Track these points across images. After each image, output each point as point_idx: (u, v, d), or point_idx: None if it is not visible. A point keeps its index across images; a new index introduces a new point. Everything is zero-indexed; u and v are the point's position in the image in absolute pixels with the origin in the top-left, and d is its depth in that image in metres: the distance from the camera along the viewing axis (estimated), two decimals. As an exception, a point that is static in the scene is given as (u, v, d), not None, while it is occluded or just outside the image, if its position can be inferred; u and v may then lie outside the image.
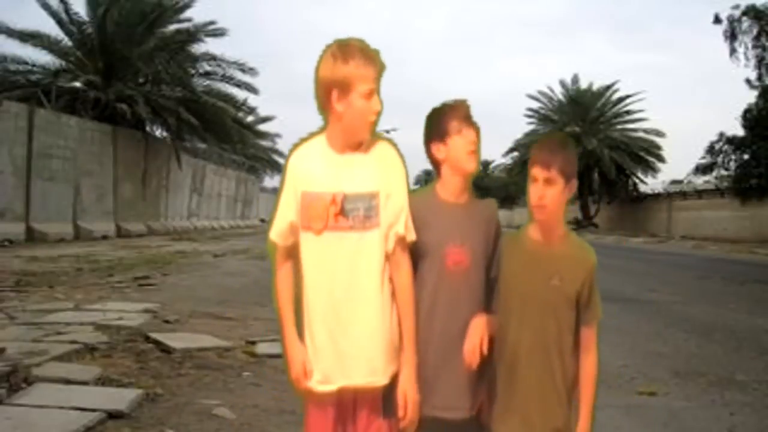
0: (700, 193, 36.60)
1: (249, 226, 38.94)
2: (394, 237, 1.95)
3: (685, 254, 22.38)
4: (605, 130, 44.43)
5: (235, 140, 27.36)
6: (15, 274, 9.49)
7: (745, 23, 29.36)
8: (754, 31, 29.24)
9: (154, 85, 23.03)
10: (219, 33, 23.77)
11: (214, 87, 24.97)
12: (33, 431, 3.22)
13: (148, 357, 4.83)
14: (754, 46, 29.36)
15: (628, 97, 44.91)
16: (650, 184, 43.93)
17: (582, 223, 43.80)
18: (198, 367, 4.64)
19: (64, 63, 21.95)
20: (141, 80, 23.11)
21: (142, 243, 18.17)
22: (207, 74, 24.59)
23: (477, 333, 1.97)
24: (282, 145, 51.53)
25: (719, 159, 32.48)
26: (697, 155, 40.93)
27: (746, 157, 30.55)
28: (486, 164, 79.93)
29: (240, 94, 26.58)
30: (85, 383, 4.00)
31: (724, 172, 32.74)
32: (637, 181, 44.21)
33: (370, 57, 1.91)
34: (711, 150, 32.74)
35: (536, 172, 1.95)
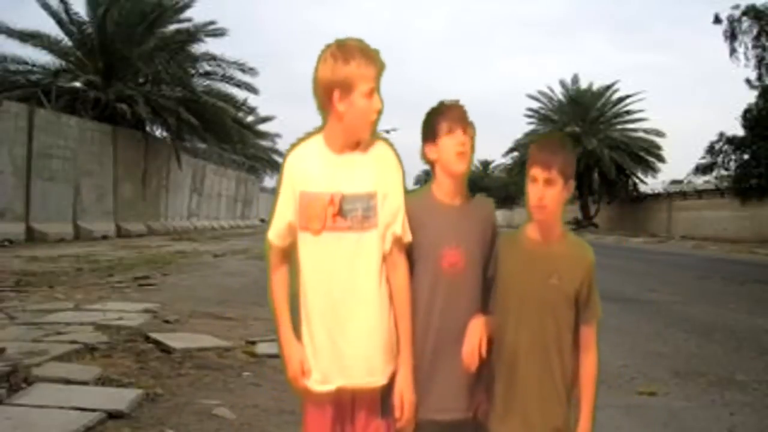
0: (700, 193, 36.61)
1: (249, 226, 38.94)
2: (391, 237, 1.95)
3: (685, 254, 22.38)
4: (605, 130, 44.44)
5: (235, 140, 27.36)
6: (15, 274, 9.49)
7: (745, 23, 29.39)
8: (754, 31, 29.25)
9: (154, 85, 23.03)
10: (219, 33, 23.79)
11: (214, 87, 25.00)
12: (33, 431, 3.22)
13: (148, 357, 4.83)
14: (754, 46, 29.38)
15: (628, 97, 44.99)
16: (650, 184, 44.02)
17: (582, 223, 43.81)
18: (198, 367, 4.64)
19: (64, 63, 21.95)
20: (141, 80, 23.11)
21: (142, 243, 18.17)
22: (207, 74, 24.61)
23: (476, 334, 1.97)
24: (282, 145, 51.51)
25: (719, 159, 32.49)
26: (697, 155, 40.97)
27: (746, 157, 30.56)
28: (486, 164, 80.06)
29: (240, 94, 26.64)
30: (85, 383, 4.00)
31: (724, 172, 32.76)
32: (637, 181, 44.23)
33: (370, 56, 1.91)
34: (711, 150, 32.75)
35: (536, 172, 1.96)
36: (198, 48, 23.88)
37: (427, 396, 1.99)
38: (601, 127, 44.66)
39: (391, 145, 2.04)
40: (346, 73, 1.88)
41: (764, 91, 29.22)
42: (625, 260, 17.21)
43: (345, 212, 1.92)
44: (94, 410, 3.44)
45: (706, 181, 35.91)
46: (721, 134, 32.06)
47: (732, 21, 29.57)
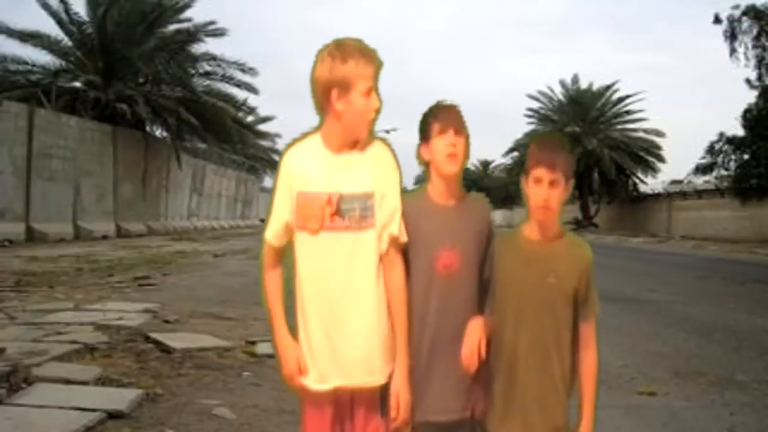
0: (700, 193, 36.59)
1: (249, 226, 38.92)
2: (388, 237, 1.95)
3: (685, 254, 22.38)
4: (605, 130, 44.42)
5: (235, 140, 27.39)
6: (15, 274, 9.49)
7: (745, 23, 29.37)
8: (754, 31, 29.23)
9: (154, 85, 23.04)
10: (219, 33, 23.80)
11: (214, 87, 25.01)
12: (33, 431, 3.22)
13: (148, 357, 4.83)
14: (754, 46, 29.36)
15: (628, 97, 44.95)
16: (650, 184, 43.97)
17: (582, 223, 43.80)
18: (198, 367, 4.64)
19: (64, 63, 21.96)
20: (141, 80, 23.12)
21: (142, 243, 18.17)
22: (207, 74, 24.62)
23: (475, 335, 1.97)
24: (282, 145, 51.37)
25: (719, 159, 32.46)
26: (697, 155, 40.91)
27: (746, 157, 30.53)
28: (486, 164, 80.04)
29: (240, 94, 26.64)
30: (85, 383, 4.00)
31: (724, 172, 32.73)
32: (637, 181, 44.19)
33: (368, 55, 1.92)
34: (711, 150, 32.73)
35: (541, 173, 1.96)
36: (198, 48, 23.93)
37: (424, 397, 1.99)
38: (601, 127, 44.64)
39: (388, 145, 2.04)
40: (344, 72, 1.88)
41: (764, 91, 29.21)
42: (625, 260, 17.21)
43: (342, 212, 1.92)
44: (94, 410, 3.44)
45: (706, 181, 35.90)
46: (721, 134, 32.06)
47: (732, 21, 29.57)
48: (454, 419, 2.03)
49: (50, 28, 22.19)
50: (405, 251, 2.00)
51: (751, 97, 30.22)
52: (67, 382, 3.97)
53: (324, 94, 1.91)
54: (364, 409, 1.97)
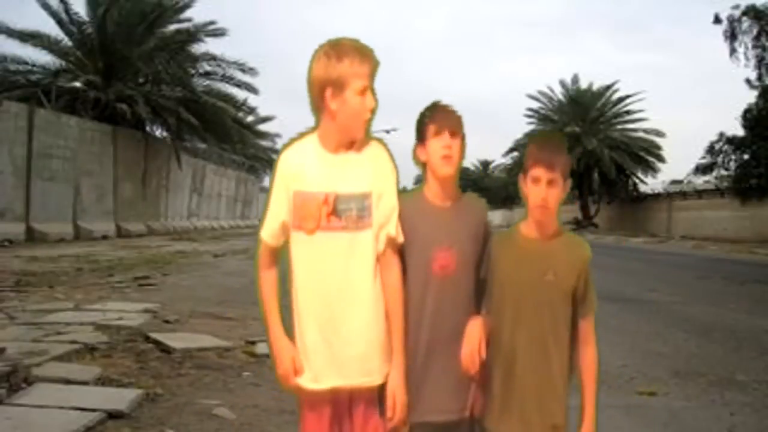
0: (700, 193, 36.59)
1: (249, 226, 38.88)
2: (385, 238, 1.95)
3: (685, 254, 22.38)
4: (605, 130, 44.42)
5: (235, 140, 27.37)
6: (15, 274, 9.49)
7: (745, 23, 29.41)
8: (754, 31, 29.27)
9: (154, 85, 23.03)
10: (219, 33, 23.80)
11: (214, 87, 25.01)
12: (33, 431, 3.22)
13: (148, 357, 4.83)
14: (754, 46, 29.40)
15: (628, 97, 44.96)
16: (650, 184, 43.98)
17: (582, 223, 43.80)
18: (198, 367, 4.65)
19: (64, 63, 21.95)
20: (141, 80, 23.11)
21: (142, 243, 18.17)
22: (207, 74, 24.61)
23: (475, 336, 1.97)
24: (282, 144, 51.51)
25: (719, 159, 32.49)
26: (697, 155, 40.88)
27: (746, 157, 30.55)
28: (486, 164, 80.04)
29: (240, 94, 26.64)
30: (85, 383, 4.00)
31: (724, 172, 32.76)
32: (637, 181, 44.21)
33: (364, 54, 1.91)
34: (711, 150, 32.75)
35: (540, 173, 1.96)
36: (198, 48, 23.93)
37: (420, 397, 1.99)
38: (601, 127, 44.64)
39: (385, 145, 2.04)
40: (340, 71, 1.88)
41: (764, 91, 29.23)
42: (625, 260, 17.22)
43: (339, 212, 1.92)
44: (94, 410, 3.45)
45: (706, 181, 35.90)
46: (721, 134, 32.08)
47: (732, 21, 29.61)
48: (451, 419, 2.03)
49: (50, 28, 22.22)
50: (402, 252, 2.00)
51: (751, 97, 30.32)
52: (67, 382, 3.97)
53: (319, 93, 1.91)
54: (362, 409, 1.96)
